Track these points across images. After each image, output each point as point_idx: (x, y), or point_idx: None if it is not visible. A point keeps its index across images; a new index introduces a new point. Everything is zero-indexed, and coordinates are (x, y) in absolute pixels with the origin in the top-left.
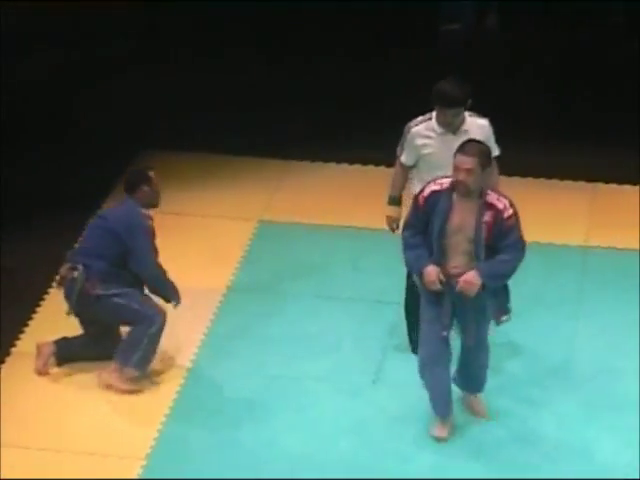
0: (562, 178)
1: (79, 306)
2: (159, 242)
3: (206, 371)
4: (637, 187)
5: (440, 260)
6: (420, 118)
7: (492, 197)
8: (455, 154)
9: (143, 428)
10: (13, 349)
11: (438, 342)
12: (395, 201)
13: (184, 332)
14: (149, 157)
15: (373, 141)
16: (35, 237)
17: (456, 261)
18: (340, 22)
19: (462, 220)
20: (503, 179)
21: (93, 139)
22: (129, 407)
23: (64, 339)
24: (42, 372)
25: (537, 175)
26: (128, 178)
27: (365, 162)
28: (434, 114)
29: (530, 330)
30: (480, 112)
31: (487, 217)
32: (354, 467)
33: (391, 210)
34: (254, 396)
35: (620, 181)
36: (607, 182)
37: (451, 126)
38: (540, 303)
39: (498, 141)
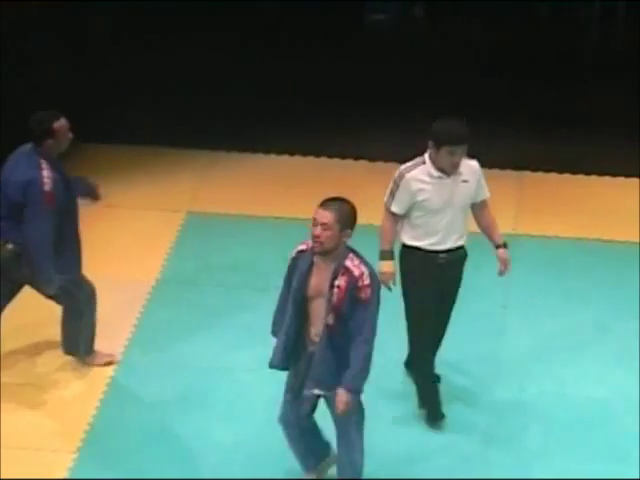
0: (490, 167)
1: None
2: (89, 234)
3: (136, 363)
4: (564, 175)
5: (302, 326)
6: (411, 163)
7: (350, 262)
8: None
9: (74, 421)
10: None
11: (288, 406)
12: (388, 255)
13: (114, 323)
14: (80, 149)
15: (300, 131)
16: None
17: (317, 328)
18: (265, 12)
19: (320, 283)
20: None
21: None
22: (60, 400)
23: None
24: None
25: None
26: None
27: (292, 153)
28: (426, 158)
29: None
30: (411, 102)
31: (340, 281)
32: (285, 457)
33: (385, 265)
34: (185, 388)
35: (547, 169)
36: (534, 171)
37: (457, 167)
38: (470, 291)
39: (424, 129)
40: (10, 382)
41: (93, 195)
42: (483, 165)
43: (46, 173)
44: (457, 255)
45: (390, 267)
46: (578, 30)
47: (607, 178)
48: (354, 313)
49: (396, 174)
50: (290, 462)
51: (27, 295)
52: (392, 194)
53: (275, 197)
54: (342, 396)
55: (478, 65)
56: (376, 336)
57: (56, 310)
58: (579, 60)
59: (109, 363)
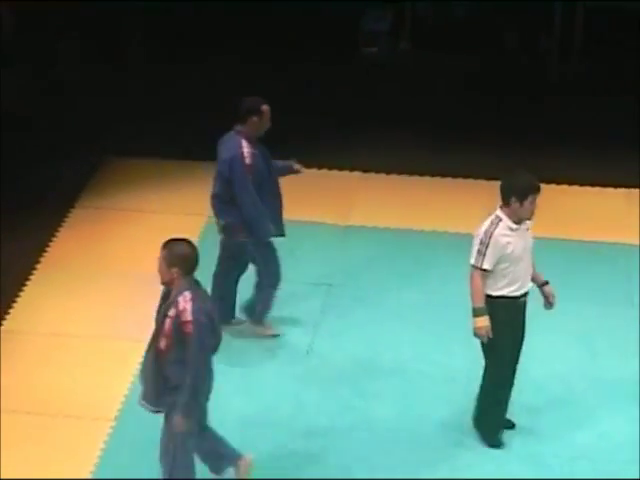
0: (465, 177)
1: None
2: (125, 234)
3: None
4: None
5: None
6: (489, 223)
7: (182, 297)
8: None
9: (111, 392)
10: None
11: None
12: (483, 311)
13: (145, 309)
14: (111, 164)
15: (302, 146)
16: (8, 236)
17: None
18: (274, 39)
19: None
20: (416, 179)
21: (58, 150)
22: (98, 371)
23: None
24: None
25: (444, 175)
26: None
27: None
28: (501, 215)
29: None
30: (400, 121)
31: (171, 312)
32: (293, 424)
33: (481, 321)
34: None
35: None
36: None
37: (533, 213)
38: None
39: (418, 145)
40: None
41: (293, 171)
42: (460, 175)
43: (246, 150)
44: (527, 296)
45: (486, 321)
46: (539, 58)
47: (575, 187)
48: (182, 345)
49: (480, 236)
50: (296, 428)
51: None
52: (481, 253)
53: (285, 202)
54: (175, 419)
55: (455, 89)
56: (201, 370)
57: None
58: (541, 83)
59: (273, 335)
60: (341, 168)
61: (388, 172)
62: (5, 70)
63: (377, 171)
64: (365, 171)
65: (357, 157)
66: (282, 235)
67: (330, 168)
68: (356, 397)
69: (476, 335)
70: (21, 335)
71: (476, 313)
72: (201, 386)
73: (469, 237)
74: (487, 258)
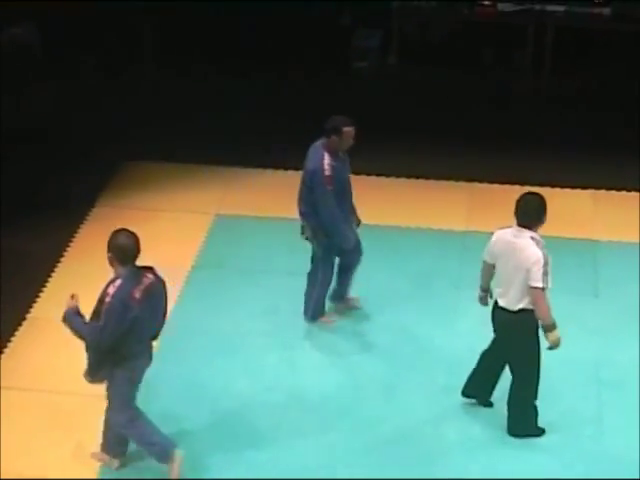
0: (447, 179)
1: None
2: (138, 232)
3: (178, 330)
4: (505, 185)
5: None
6: (535, 244)
7: (113, 282)
8: None
9: None
10: (28, 315)
11: None
12: (556, 325)
13: None
14: (128, 167)
15: (302, 150)
16: (28, 234)
17: None
18: (282, 56)
19: None
20: (403, 180)
21: (80, 155)
22: None
23: None
24: None
25: (428, 177)
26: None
27: (296, 168)
28: (536, 236)
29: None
30: (389, 129)
31: (102, 294)
32: (290, 403)
33: (557, 333)
34: (214, 348)
35: (492, 181)
36: (481, 182)
37: None
38: (432, 276)
39: (404, 150)
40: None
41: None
42: (442, 178)
43: (326, 162)
44: None
45: (558, 333)
46: (513, 72)
47: (546, 188)
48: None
49: (541, 259)
50: (294, 408)
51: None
52: (546, 274)
53: (284, 203)
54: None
55: (438, 100)
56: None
57: None
58: (515, 94)
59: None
60: None
61: (377, 174)
62: (33, 84)
63: (367, 174)
64: (357, 174)
65: (351, 161)
66: (358, 226)
67: None
68: (348, 378)
69: (554, 347)
70: (47, 321)
71: (553, 327)
72: (101, 360)
73: (451, 233)
74: (548, 278)
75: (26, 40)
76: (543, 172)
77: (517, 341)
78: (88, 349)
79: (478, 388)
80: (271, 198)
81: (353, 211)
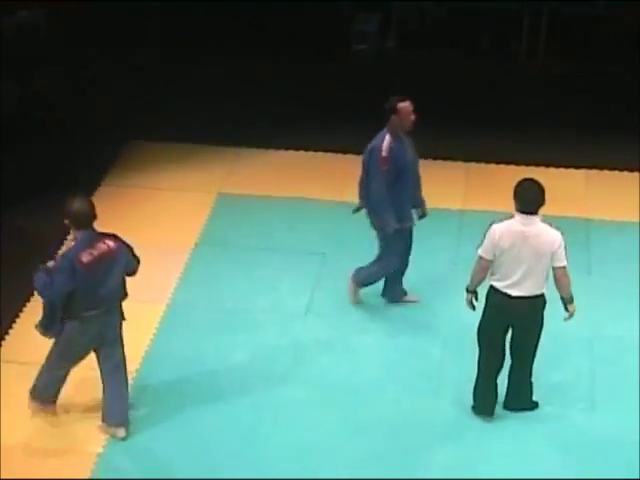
0: (444, 159)
1: None
2: (143, 211)
3: (182, 305)
4: (500, 165)
5: None
6: (550, 227)
7: (68, 245)
8: None
9: (134, 349)
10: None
11: None
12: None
13: (163, 274)
14: (133, 148)
15: (307, 132)
16: (37, 213)
17: None
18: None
19: None
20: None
21: (88, 136)
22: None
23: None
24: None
25: (425, 157)
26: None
27: (297, 148)
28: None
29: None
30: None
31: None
32: (290, 376)
33: (574, 305)
34: (216, 324)
35: (488, 161)
36: (478, 162)
37: None
38: (426, 252)
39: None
40: None
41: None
42: (439, 157)
43: (386, 143)
44: None
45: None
46: (511, 55)
47: (541, 168)
48: None
49: (562, 239)
50: (293, 378)
51: None
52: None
53: (286, 182)
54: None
55: (435, 82)
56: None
57: None
58: (512, 77)
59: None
60: (336, 151)
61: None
62: (39, 69)
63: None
64: (357, 154)
65: (350, 141)
66: (423, 217)
67: (326, 151)
68: (347, 353)
69: (571, 317)
70: None
71: (573, 299)
72: (51, 315)
73: (445, 212)
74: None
75: (32, 22)
76: (538, 152)
77: (538, 323)
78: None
79: (518, 395)
80: (273, 177)
81: (419, 202)
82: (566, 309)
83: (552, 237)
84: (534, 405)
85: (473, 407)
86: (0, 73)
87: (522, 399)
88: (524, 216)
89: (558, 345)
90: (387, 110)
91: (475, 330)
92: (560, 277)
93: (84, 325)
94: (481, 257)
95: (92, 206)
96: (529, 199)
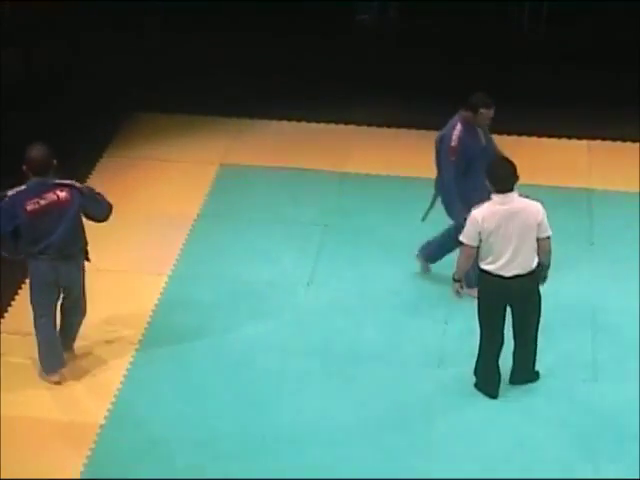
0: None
1: None
2: (146, 182)
3: (184, 277)
4: (512, 137)
5: None
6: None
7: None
8: None
9: (135, 321)
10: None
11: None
12: None
13: (166, 245)
14: (135, 119)
15: (308, 102)
16: None
17: None
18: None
19: None
20: (403, 131)
21: (90, 106)
22: (125, 300)
23: None
24: None
25: (428, 128)
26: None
27: (300, 119)
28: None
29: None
30: (389, 81)
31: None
32: (293, 346)
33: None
34: (218, 295)
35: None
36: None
37: None
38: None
39: (404, 102)
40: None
41: None
42: (441, 128)
43: (456, 132)
44: None
45: None
46: (512, 25)
47: (543, 139)
48: None
49: (544, 209)
50: (295, 349)
51: None
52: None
53: (288, 153)
54: None
55: (436, 53)
56: None
57: None
58: (513, 47)
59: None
60: (338, 122)
61: (379, 125)
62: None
63: (369, 124)
64: (359, 125)
65: (352, 112)
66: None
67: (328, 122)
68: (350, 323)
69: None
70: None
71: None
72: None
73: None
74: None
75: None
76: (540, 123)
77: (536, 298)
78: None
79: (523, 370)
80: (275, 148)
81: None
82: (544, 275)
83: (535, 209)
84: (537, 376)
85: (475, 384)
86: (1, 43)
87: (527, 373)
88: (502, 195)
89: (561, 316)
90: (468, 104)
91: (476, 301)
92: (545, 246)
93: (38, 264)
94: (465, 245)
95: (49, 155)
96: (504, 177)
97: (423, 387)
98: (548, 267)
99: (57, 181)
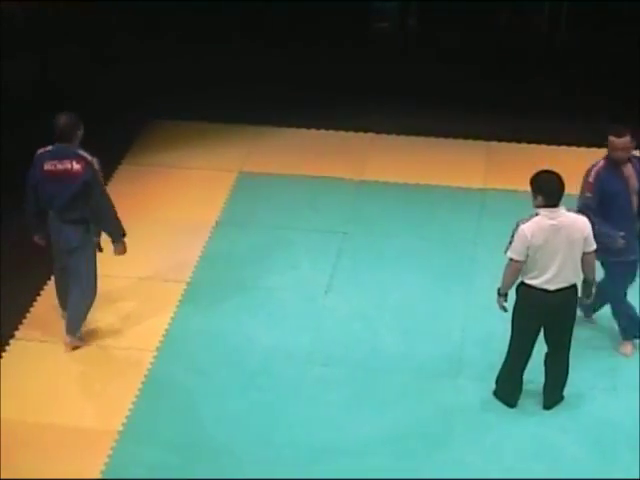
0: (465, 138)
1: None
2: (164, 189)
3: (203, 284)
4: (522, 144)
5: None
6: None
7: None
8: None
9: (154, 328)
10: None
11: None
12: None
13: (184, 252)
14: (153, 126)
15: (327, 111)
16: None
17: None
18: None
19: None
20: (421, 139)
21: (108, 114)
22: (144, 307)
23: None
24: None
25: (446, 136)
26: None
27: (318, 127)
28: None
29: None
30: (408, 89)
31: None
32: (312, 354)
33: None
34: (237, 302)
35: (509, 140)
36: (499, 141)
37: None
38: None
39: (423, 109)
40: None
41: None
42: (459, 136)
43: (595, 169)
44: None
45: None
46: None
47: (562, 147)
48: None
49: (589, 224)
50: (314, 358)
51: None
52: None
53: (307, 160)
54: None
55: (455, 60)
56: None
57: None
58: (532, 55)
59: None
60: (356, 130)
61: (397, 133)
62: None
63: (387, 132)
64: (377, 132)
65: (370, 120)
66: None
67: (347, 130)
68: (367, 331)
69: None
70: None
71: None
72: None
73: (467, 191)
74: None
75: None
76: (559, 132)
77: (574, 312)
78: None
79: (556, 389)
80: (294, 156)
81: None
82: (589, 292)
83: (582, 223)
84: (563, 397)
85: (495, 392)
86: (17, 50)
87: (559, 392)
88: (548, 209)
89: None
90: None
91: (494, 309)
92: (590, 261)
93: (49, 222)
94: (512, 259)
95: (73, 124)
96: (552, 191)
97: (442, 396)
98: (593, 283)
99: (78, 152)
